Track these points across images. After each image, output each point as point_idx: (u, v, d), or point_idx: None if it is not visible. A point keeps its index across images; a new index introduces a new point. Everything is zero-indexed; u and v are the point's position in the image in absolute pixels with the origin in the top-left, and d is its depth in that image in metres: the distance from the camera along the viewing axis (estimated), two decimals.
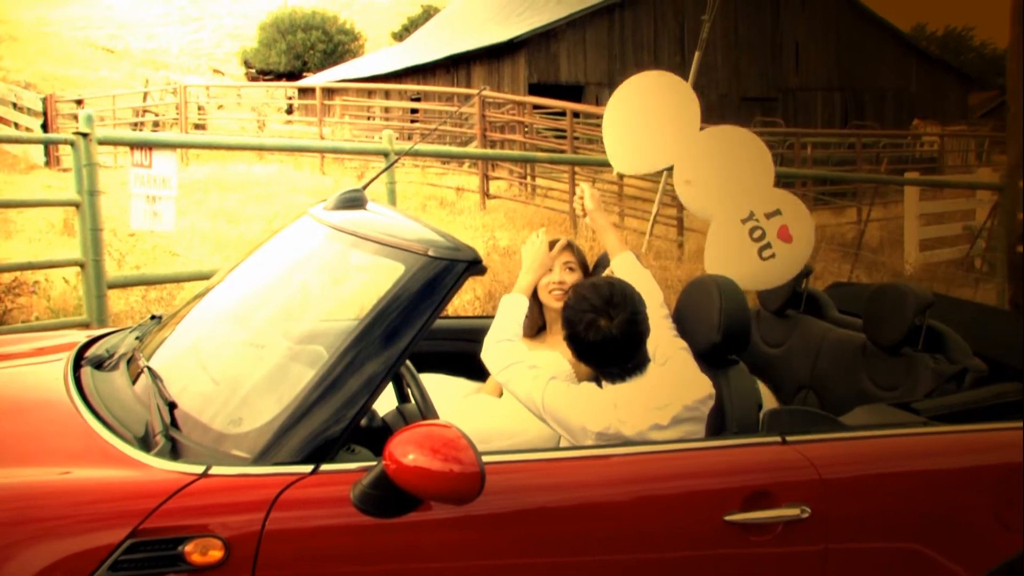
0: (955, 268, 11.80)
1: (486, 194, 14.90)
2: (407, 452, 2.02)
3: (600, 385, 2.64)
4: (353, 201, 2.72)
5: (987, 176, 15.10)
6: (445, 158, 16.80)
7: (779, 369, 3.43)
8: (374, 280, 2.39)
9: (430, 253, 2.32)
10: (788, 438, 2.51)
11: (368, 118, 23.42)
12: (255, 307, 2.69)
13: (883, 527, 2.50)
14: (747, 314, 2.79)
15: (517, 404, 3.33)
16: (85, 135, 5.00)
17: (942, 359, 3.19)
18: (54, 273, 6.36)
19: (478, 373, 3.60)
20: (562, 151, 15.28)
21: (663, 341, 2.72)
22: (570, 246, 3.49)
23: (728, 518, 2.34)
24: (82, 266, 5.11)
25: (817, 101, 30.06)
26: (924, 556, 2.52)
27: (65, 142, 5.23)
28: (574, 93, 24.38)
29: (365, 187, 2.82)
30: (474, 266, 2.33)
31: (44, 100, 19.55)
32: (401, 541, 2.12)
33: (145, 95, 23.78)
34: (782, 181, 16.54)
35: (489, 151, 15.14)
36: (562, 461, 2.40)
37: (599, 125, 18.15)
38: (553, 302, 3.28)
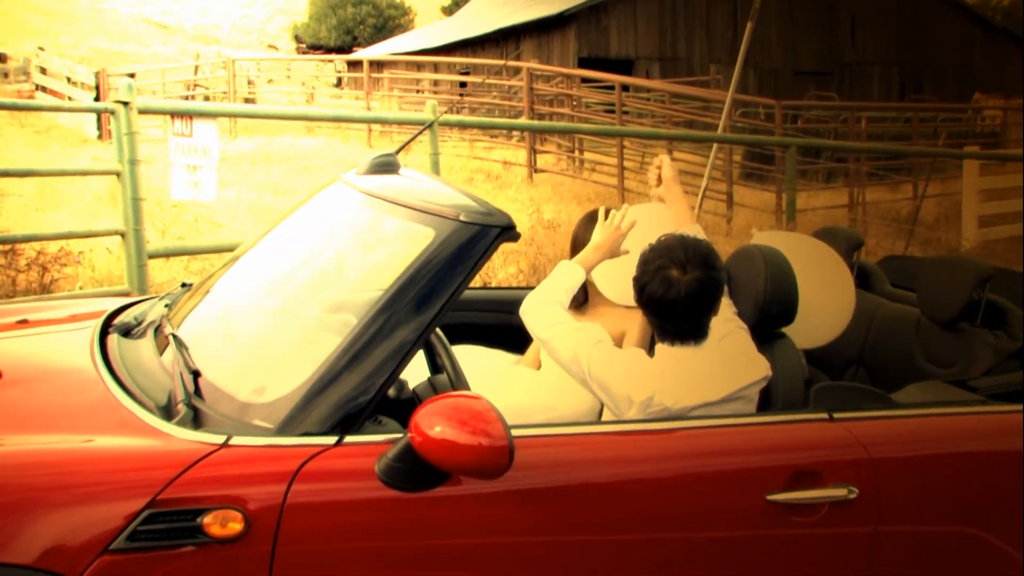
0: (1016, 245, 11.46)
1: (533, 168, 14.77)
2: (434, 424, 1.94)
3: (651, 354, 2.53)
4: (386, 165, 2.64)
5: None
6: (490, 129, 16.62)
7: (827, 345, 3.28)
8: (404, 246, 2.31)
9: (461, 218, 2.22)
10: (836, 415, 2.39)
11: (417, 91, 23.36)
12: (284, 275, 2.62)
13: (935, 509, 2.37)
14: (794, 286, 2.66)
15: (556, 377, 3.24)
16: (126, 103, 4.98)
17: (1003, 335, 3.03)
18: (98, 243, 6.38)
19: (516, 345, 3.52)
20: (611, 125, 15.10)
21: (722, 318, 2.59)
22: None
23: (771, 497, 2.23)
24: (123, 236, 5.11)
25: (874, 75, 29.41)
26: (978, 540, 2.39)
27: (105, 111, 5.22)
28: (624, 67, 24.08)
29: (399, 151, 2.73)
30: (507, 231, 2.24)
31: (96, 74, 19.71)
32: (427, 516, 2.05)
33: (196, 69, 23.96)
34: (835, 156, 16.26)
35: (535, 122, 14.99)
36: (599, 436, 2.31)
37: (648, 99, 17.96)
38: None
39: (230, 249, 6.18)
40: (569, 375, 2.60)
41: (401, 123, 11.41)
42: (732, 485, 2.26)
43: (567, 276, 2.72)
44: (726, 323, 2.59)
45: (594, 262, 2.82)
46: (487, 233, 2.21)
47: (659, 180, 3.09)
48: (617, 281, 2.99)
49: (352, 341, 2.12)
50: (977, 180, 12.37)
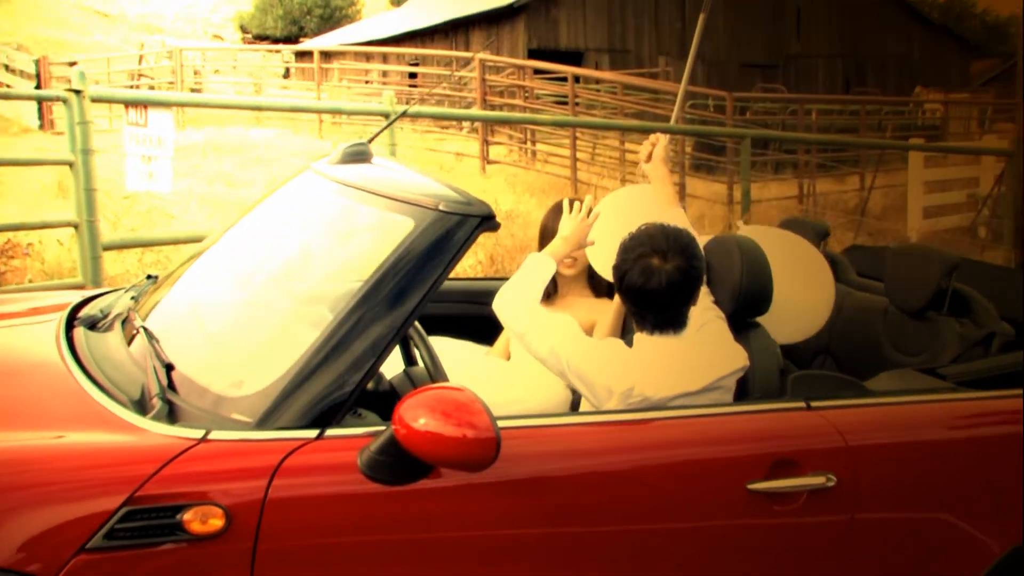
0: (959, 235, 11.69)
1: (486, 159, 14.73)
2: (418, 416, 1.91)
3: (629, 344, 2.52)
4: (358, 155, 2.60)
5: (993, 144, 14.97)
6: (451, 120, 16.49)
7: None
8: (381, 237, 2.27)
9: (441, 208, 2.19)
10: (813, 404, 2.41)
11: (366, 82, 23.18)
12: (256, 266, 2.56)
13: (911, 497, 2.40)
14: (769, 276, 2.67)
15: (527, 368, 3.23)
16: (78, 92, 4.86)
17: (968, 323, 3.08)
18: (48, 235, 6.23)
19: (485, 336, 3.50)
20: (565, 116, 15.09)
21: (700, 307, 2.59)
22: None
23: (751, 486, 2.24)
24: (76, 227, 4.99)
25: (819, 68, 29.76)
26: (953, 527, 2.42)
27: (58, 99, 5.09)
28: (574, 59, 24.10)
29: (371, 140, 2.69)
30: (487, 221, 2.21)
31: (37, 63, 19.28)
32: (410, 510, 2.02)
33: (140, 58, 23.53)
34: (783, 148, 16.44)
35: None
36: (579, 426, 2.30)
37: (599, 90, 17.99)
38: (564, 268, 3.18)
39: (187, 241, 6.09)
40: (545, 367, 2.59)
41: (360, 114, 11.27)
42: (713, 474, 2.26)
43: (538, 268, 2.71)
44: (704, 312, 2.59)
45: (563, 253, 2.83)
46: (467, 223, 2.19)
47: (649, 157, 3.07)
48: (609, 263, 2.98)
49: (331, 333, 2.08)
50: (922, 172, 12.60)
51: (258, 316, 2.38)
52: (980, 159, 13.56)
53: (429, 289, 2.13)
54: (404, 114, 2.89)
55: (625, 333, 3.31)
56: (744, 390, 2.58)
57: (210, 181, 10.04)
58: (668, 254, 2.42)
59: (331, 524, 1.98)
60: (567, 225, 2.84)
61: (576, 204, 2.91)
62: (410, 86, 22.42)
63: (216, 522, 1.89)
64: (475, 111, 14.97)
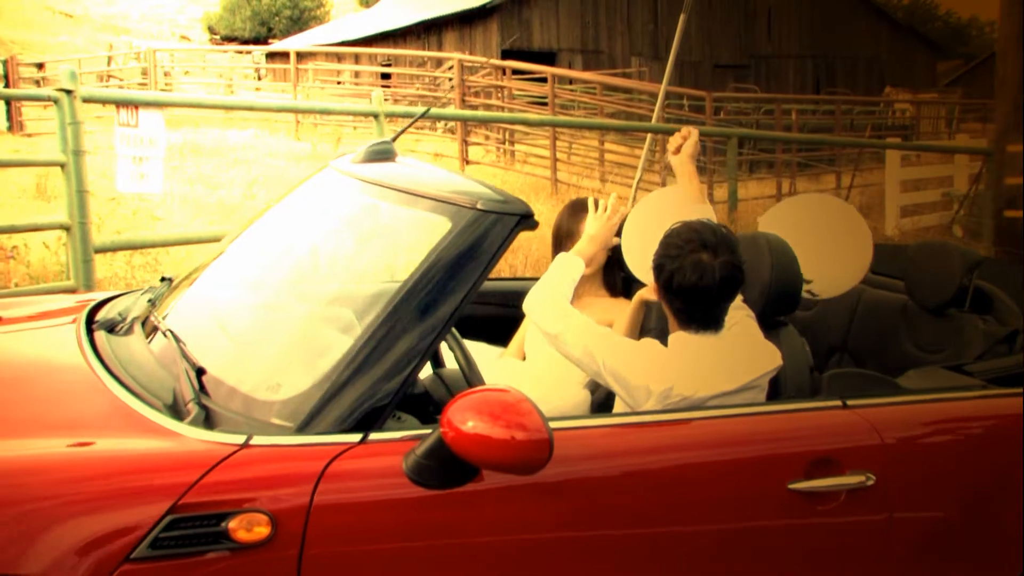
0: (936, 234, 11.79)
1: (465, 160, 14.68)
2: (466, 419, 1.87)
3: (665, 343, 2.49)
4: (383, 153, 2.55)
5: (966, 143, 15.13)
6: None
7: (810, 332, 3.30)
8: (417, 237, 2.22)
9: (479, 206, 2.15)
10: (849, 402, 2.39)
11: (338, 83, 23.05)
12: (285, 267, 2.51)
13: (948, 494, 2.39)
14: (798, 273, 2.66)
15: (543, 368, 3.20)
16: (69, 92, 4.77)
17: (992, 320, 3.08)
18: (32, 238, 6.11)
19: (498, 337, 3.46)
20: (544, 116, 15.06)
21: (732, 305, 2.56)
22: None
23: (792, 486, 2.22)
24: (67, 229, 4.89)
25: (789, 68, 29.99)
26: (991, 525, 2.41)
27: (48, 99, 4.99)
28: (547, 59, 24.11)
29: (395, 139, 2.65)
30: (526, 220, 2.17)
31: (5, 63, 19.02)
32: (455, 514, 1.98)
33: (109, 60, 23.27)
34: (758, 147, 16.52)
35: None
36: (618, 427, 2.27)
37: (575, 90, 17.95)
38: None
39: (177, 243, 6.01)
40: (580, 368, 2.56)
41: (349, 114, 11.18)
42: (754, 474, 2.24)
43: (568, 269, 2.68)
44: (735, 311, 2.56)
45: (591, 253, 2.81)
46: (506, 221, 2.15)
47: (678, 149, 3.03)
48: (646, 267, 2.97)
49: (372, 335, 2.03)
50: (898, 171, 12.71)
51: (290, 319, 2.33)
52: (953, 158, 13.70)
53: (469, 290, 2.09)
54: (426, 113, 2.85)
55: (642, 333, 3.29)
56: (776, 389, 2.56)
57: (191, 183, 9.92)
58: (717, 249, 2.39)
59: (376, 529, 1.94)
60: (593, 224, 2.81)
61: (602, 203, 2.88)
62: (383, 86, 22.32)
63: (262, 529, 1.85)
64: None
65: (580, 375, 3.09)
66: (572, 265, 2.67)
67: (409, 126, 2.78)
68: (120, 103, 5.10)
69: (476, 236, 2.12)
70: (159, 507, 1.80)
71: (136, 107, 5.08)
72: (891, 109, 25.30)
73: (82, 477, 1.83)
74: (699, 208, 2.87)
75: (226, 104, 10.36)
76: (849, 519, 2.29)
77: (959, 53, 51.43)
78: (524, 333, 3.42)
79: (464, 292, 2.09)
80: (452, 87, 17.79)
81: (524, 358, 3.39)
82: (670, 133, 3.46)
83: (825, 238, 3.06)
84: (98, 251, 4.99)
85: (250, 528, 1.84)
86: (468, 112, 14.79)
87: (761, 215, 3.33)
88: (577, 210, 3.43)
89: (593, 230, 2.82)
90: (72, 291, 4.74)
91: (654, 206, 3.06)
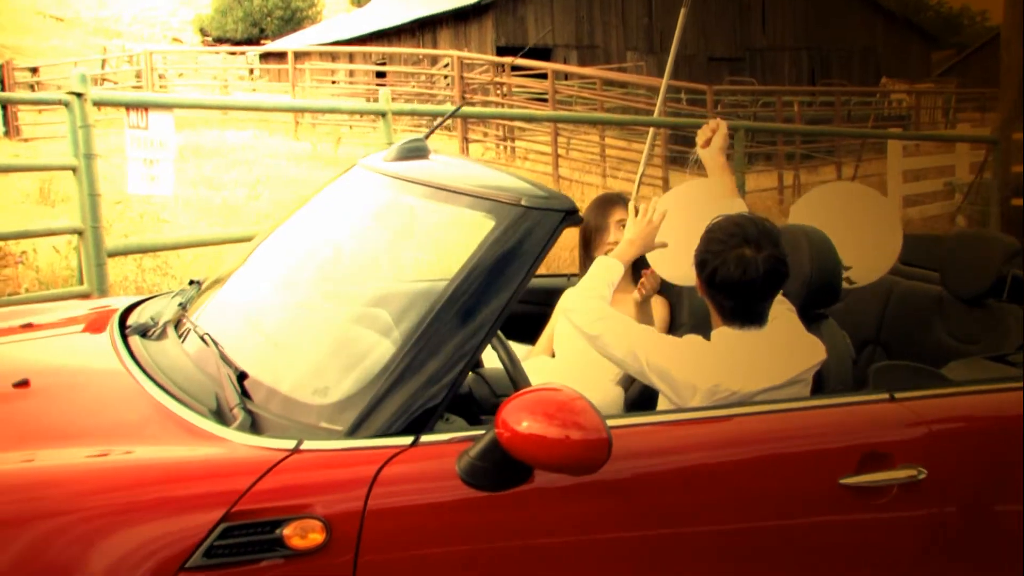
0: (939, 224, 11.78)
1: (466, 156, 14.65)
2: (521, 419, 1.84)
3: (707, 338, 2.46)
4: (416, 151, 2.51)
5: (965, 132, 15.12)
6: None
7: (842, 325, 3.27)
8: (461, 235, 2.19)
9: (523, 203, 2.11)
10: (897, 395, 2.36)
11: (332, 82, 22.99)
12: (324, 268, 2.47)
13: (1000, 487, 2.36)
14: (838, 265, 2.63)
15: (573, 365, 3.17)
16: (80, 95, 4.72)
17: None
18: (41, 243, 6.06)
19: (526, 335, 3.43)
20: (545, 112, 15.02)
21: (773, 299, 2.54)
22: (624, 203, 3.31)
23: (843, 481, 2.19)
24: (80, 234, 4.85)
25: (784, 60, 29.97)
26: None
27: (59, 103, 4.94)
28: (542, 55, 24.05)
29: (427, 136, 2.61)
30: (571, 216, 2.13)
31: (1, 67, 18.95)
32: (510, 516, 1.94)
33: (103, 63, 23.19)
34: (756, 140, 16.49)
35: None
36: (668, 424, 2.24)
37: (572, 86, 17.86)
38: None
39: (188, 246, 5.96)
40: (622, 368, 2.54)
41: (357, 112, 11.16)
42: (805, 470, 2.21)
43: (607, 270, 2.68)
44: (776, 304, 2.53)
45: (631, 256, 2.79)
46: (551, 218, 2.11)
47: (707, 143, 3.00)
48: (675, 263, 2.94)
49: (421, 336, 2.00)
50: (900, 161, 12.69)
51: (332, 320, 2.29)
52: (954, 147, 13.69)
53: (517, 288, 2.05)
54: (456, 112, 2.81)
55: (674, 328, 3.25)
56: (819, 383, 2.53)
57: (194, 185, 9.87)
58: (760, 243, 2.36)
59: (431, 533, 1.90)
60: (632, 229, 2.79)
61: (642, 208, 2.85)
62: (378, 86, 22.27)
63: (316, 536, 1.81)
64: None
65: (612, 371, 3.06)
66: (611, 267, 2.67)
67: (440, 124, 2.74)
68: (131, 105, 5.06)
69: (521, 233, 2.09)
70: (212, 515, 1.76)
71: (147, 109, 5.04)
72: (888, 100, 25.30)
73: (133, 484, 1.80)
74: (732, 202, 2.84)
75: (236, 105, 10.32)
76: (901, 514, 2.25)
77: (951, 43, 51.52)
78: (552, 330, 3.39)
79: (511, 290, 2.05)
80: (448, 84, 17.76)
81: (553, 355, 3.36)
82: (677, 127, 3.45)
83: (857, 225, 3.06)
84: (111, 255, 4.95)
85: (304, 535, 1.81)
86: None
87: (772, 207, 3.34)
88: (605, 205, 3.40)
89: (632, 234, 2.79)
90: (86, 296, 4.69)
91: (683, 200, 3.03)
